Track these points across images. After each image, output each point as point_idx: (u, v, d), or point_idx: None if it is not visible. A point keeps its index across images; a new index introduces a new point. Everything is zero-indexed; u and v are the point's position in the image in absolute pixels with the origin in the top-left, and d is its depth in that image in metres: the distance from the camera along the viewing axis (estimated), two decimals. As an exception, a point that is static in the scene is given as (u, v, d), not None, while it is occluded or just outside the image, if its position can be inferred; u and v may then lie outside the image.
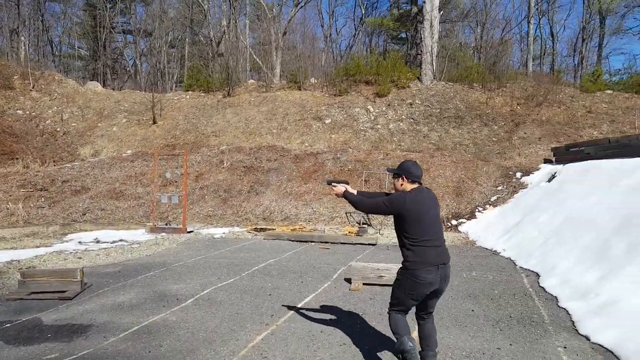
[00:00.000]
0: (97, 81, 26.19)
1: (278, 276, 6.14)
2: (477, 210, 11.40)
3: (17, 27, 26.04)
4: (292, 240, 9.23)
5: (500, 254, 7.66)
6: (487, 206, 11.41)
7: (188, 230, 10.33)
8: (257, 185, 13.76)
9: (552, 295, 5.07)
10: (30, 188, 13.36)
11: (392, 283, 4.96)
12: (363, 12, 33.33)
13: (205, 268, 6.67)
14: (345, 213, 12.34)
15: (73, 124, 18.85)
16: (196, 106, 19.96)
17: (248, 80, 23.36)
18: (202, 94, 21.40)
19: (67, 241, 8.97)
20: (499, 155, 15.03)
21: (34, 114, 18.83)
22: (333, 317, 4.44)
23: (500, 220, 9.81)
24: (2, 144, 16.17)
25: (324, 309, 4.70)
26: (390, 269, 5.51)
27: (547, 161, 13.24)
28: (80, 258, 7.46)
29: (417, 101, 18.85)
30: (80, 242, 8.94)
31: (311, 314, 4.52)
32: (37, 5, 29.84)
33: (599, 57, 27.73)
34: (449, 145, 16.17)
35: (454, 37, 28.75)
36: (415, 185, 3.12)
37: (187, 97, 21.22)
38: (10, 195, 12.95)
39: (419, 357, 3.01)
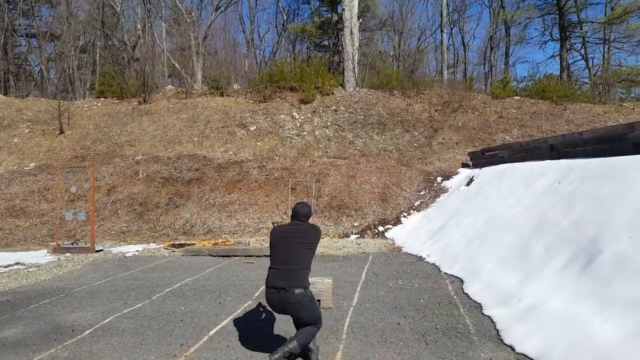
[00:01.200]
0: (-5, 87, 23.28)
1: (193, 297, 5.61)
2: (402, 215, 11.62)
3: None
4: (214, 256, 8.66)
5: (426, 260, 7.74)
6: (412, 211, 11.68)
7: (97, 249, 9.31)
8: (176, 197, 12.90)
9: (476, 302, 5.09)
10: None
11: (317, 298, 4.69)
12: (285, 19, 33.33)
13: (111, 292, 5.94)
14: (272, 223, 11.97)
15: (-40, 135, 16.47)
16: (109, 114, 18.44)
17: (166, 86, 22.13)
18: (116, 101, 19.85)
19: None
20: (421, 161, 15.58)
21: None
22: (251, 341, 4.05)
23: (424, 225, 10.03)
24: None
25: (242, 333, 4.30)
26: (315, 283, 5.24)
27: (465, 165, 13.94)
28: (-42, 290, 6.33)
29: (341, 108, 19.04)
30: (-38, 271, 7.64)
31: (226, 340, 4.11)
32: None
33: (506, 65, 30.21)
34: (374, 151, 16.47)
35: (374, 45, 29.73)
36: (292, 221, 3.64)
37: (99, 104, 19.56)
38: None
39: None
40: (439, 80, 25.48)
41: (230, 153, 15.94)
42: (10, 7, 29.56)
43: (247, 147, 16.34)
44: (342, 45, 21.09)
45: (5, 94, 24.59)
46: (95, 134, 16.90)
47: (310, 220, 3.72)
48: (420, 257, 8.07)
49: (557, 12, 26.61)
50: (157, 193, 13.02)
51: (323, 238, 10.93)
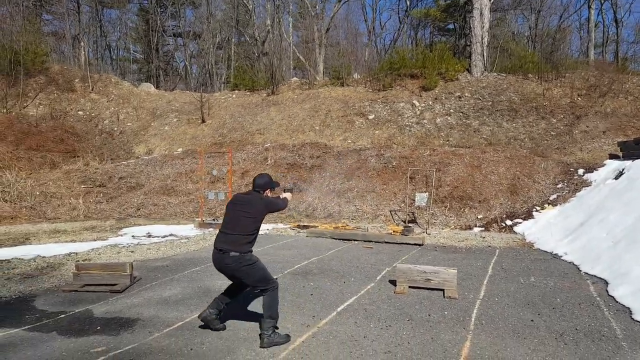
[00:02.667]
0: (151, 83, 27.35)
1: (320, 275, 6.00)
2: (534, 209, 10.69)
3: (78, 34, 27.69)
4: (335, 239, 9.07)
5: (562, 258, 7.08)
6: (546, 205, 10.67)
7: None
8: (300, 182, 13.72)
9: (624, 306, 4.55)
10: (90, 184, 14.11)
11: (440, 287, 4.67)
12: (408, 4, 32.48)
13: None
14: (390, 211, 12.04)
15: (128, 124, 19.76)
16: (242, 105, 20.29)
17: (291, 78, 23.44)
18: (248, 93, 21.72)
19: (121, 235, 9.34)
20: (558, 151, 14.06)
21: (93, 114, 19.93)
22: (377, 321, 4.22)
23: (560, 220, 9.12)
24: (66, 143, 17.22)
25: (367, 312, 4.50)
26: (439, 272, 5.21)
27: (613, 156, 12.21)
28: (132, 252, 7.70)
29: (466, 94, 18.06)
30: (133, 236, 9.28)
31: (354, 317, 4.34)
32: (95, 12, 31.61)
33: (672, 42, 25.31)
34: (502, 139, 15.34)
35: (506, 26, 27.34)
36: (249, 191, 3.92)
37: (234, 96, 21.63)
38: (72, 191, 13.75)
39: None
40: (583, 62, 22.47)
41: (349, 141, 16.33)
42: (161, 10, 34.11)
43: (365, 136, 16.56)
44: (470, 27, 19.88)
45: (157, 87, 28.63)
46: (230, 123, 18.79)
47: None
48: (555, 254, 7.39)
49: None
50: (283, 177, 14.01)
51: (443, 229, 10.65)
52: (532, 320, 4.20)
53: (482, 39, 19.34)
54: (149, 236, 9.39)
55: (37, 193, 13.47)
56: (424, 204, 10.70)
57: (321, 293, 5.16)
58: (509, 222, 10.59)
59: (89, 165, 15.71)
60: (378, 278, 5.86)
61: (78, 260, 6.81)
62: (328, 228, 9.93)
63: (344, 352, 3.52)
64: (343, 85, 20.34)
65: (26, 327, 4.11)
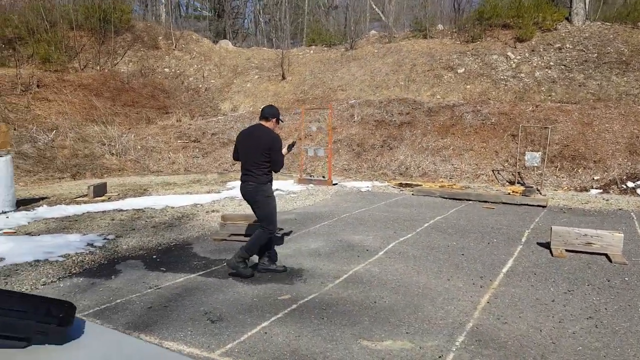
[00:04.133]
0: (222, 39, 27.50)
1: (456, 235, 5.84)
2: (661, 171, 9.71)
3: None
4: (445, 198, 8.82)
5: None
6: (676, 167, 9.64)
7: (333, 182, 10.49)
8: (390, 140, 13.41)
9: None
10: (186, 139, 14.72)
11: (602, 251, 4.40)
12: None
13: (374, 221, 6.63)
14: (492, 171, 11.50)
15: (212, 81, 20.17)
16: (320, 61, 19.91)
17: (369, 31, 22.52)
18: (325, 49, 21.23)
19: (230, 188, 9.68)
20: (683, 107, 12.53)
21: (178, 71, 20.51)
22: (554, 285, 4.01)
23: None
24: (157, 100, 17.97)
25: (537, 275, 4.28)
26: (602, 236, 4.85)
27: None
28: (249, 205, 7.95)
29: (567, 45, 16.41)
30: (240, 191, 9.59)
31: (525, 280, 4.15)
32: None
33: None
34: (613, 95, 13.91)
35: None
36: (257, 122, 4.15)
37: (311, 52, 21.25)
38: (170, 146, 14.43)
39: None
40: None
41: (438, 97, 15.59)
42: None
43: (455, 91, 15.71)
44: (576, -32, 17.74)
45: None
46: (311, 80, 18.57)
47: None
48: None
49: None
50: (372, 135, 13.76)
51: (555, 190, 10.02)
52: None
53: (589, -18, 17.25)
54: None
55: (139, 147, 14.29)
56: (536, 164, 10.06)
57: (472, 253, 5.00)
58: (630, 184, 9.74)
59: (181, 122, 16.33)
60: (523, 240, 5.60)
61: (210, 211, 7.15)
62: (433, 187, 9.67)
63: (541, 315, 3.36)
64: (426, 38, 19.25)
65: (200, 272, 4.34)
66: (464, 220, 6.77)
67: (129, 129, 15.62)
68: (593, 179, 10.25)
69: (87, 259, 4.65)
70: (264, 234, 4.06)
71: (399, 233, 5.89)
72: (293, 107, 16.62)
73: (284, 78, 19.05)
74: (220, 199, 8.30)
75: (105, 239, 5.47)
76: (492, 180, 11.09)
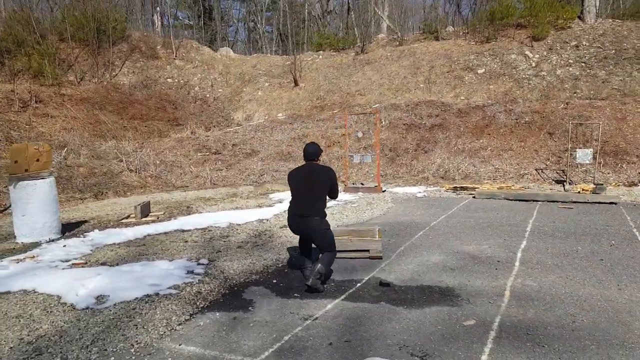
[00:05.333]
0: (228, 47, 26.90)
1: (569, 238, 5.47)
2: None
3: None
4: (510, 200, 8.49)
5: None
6: None
7: (382, 189, 10.05)
8: (423, 143, 13.10)
9: None
10: (206, 152, 14.08)
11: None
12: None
13: (469, 228, 6.21)
14: (536, 169, 11.27)
15: (219, 90, 19.56)
16: (332, 66, 19.55)
17: (378, 34, 22.32)
18: (334, 53, 20.90)
19: (279, 201, 9.13)
20: None
21: (182, 81, 19.83)
22: None
23: None
24: (165, 111, 17.26)
25: None
26: None
27: None
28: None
29: (583, 42, 16.49)
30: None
31: None
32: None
33: None
34: (638, 90, 13.94)
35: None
36: (306, 163, 4.26)
37: (320, 57, 20.87)
38: (190, 159, 13.77)
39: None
40: None
41: (462, 98, 15.39)
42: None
43: (478, 91, 15.55)
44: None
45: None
46: (326, 86, 18.17)
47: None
48: None
49: None
50: (403, 139, 13.42)
51: (607, 186, 9.82)
52: None
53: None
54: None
55: (158, 162, 13.58)
56: (587, 161, 9.85)
57: (611, 258, 4.62)
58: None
59: (196, 133, 15.68)
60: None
61: (281, 227, 6.61)
62: (490, 189, 9.34)
63: None
64: (438, 39, 19.12)
65: (342, 297, 3.84)
66: (560, 222, 6.43)
67: (142, 143, 14.88)
68: (639, 173, 10.13)
69: (203, 289, 4.07)
70: (333, 255, 4.19)
71: (509, 240, 5.49)
72: (312, 114, 16.18)
73: (296, 84, 18.60)
74: (280, 213, 7.75)
75: (199, 264, 4.88)
76: (538, 180, 10.85)
